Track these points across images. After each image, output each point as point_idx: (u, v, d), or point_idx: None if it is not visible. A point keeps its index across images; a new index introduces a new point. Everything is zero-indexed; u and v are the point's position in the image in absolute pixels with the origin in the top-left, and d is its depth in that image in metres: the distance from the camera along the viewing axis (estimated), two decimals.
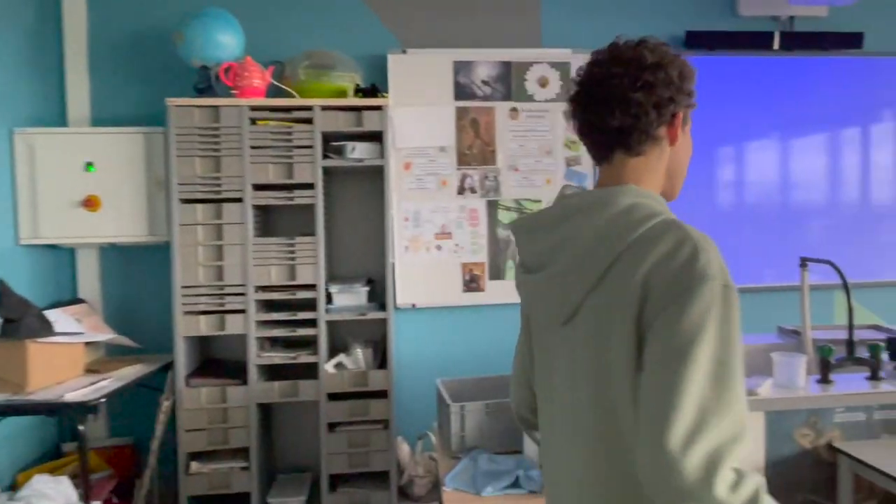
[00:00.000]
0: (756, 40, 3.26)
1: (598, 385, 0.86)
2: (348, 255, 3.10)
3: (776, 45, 3.27)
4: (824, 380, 1.70)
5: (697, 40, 3.23)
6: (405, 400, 3.13)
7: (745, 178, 3.31)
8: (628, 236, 0.85)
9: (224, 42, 2.72)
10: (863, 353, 1.81)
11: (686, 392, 0.75)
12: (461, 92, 3.12)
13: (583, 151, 3.18)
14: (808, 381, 1.69)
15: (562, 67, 3.16)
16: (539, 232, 0.95)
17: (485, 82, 3.14)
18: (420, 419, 3.04)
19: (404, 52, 3.08)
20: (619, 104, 0.92)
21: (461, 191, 3.14)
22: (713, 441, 0.75)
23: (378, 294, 2.94)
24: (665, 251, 0.83)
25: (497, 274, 3.16)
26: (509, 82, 3.15)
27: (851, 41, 3.28)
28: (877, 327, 2.35)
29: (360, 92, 2.82)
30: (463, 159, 3.13)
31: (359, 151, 2.78)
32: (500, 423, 1.98)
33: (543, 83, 3.16)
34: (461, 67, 3.12)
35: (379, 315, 2.81)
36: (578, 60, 3.17)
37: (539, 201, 3.18)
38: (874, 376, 1.72)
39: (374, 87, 2.83)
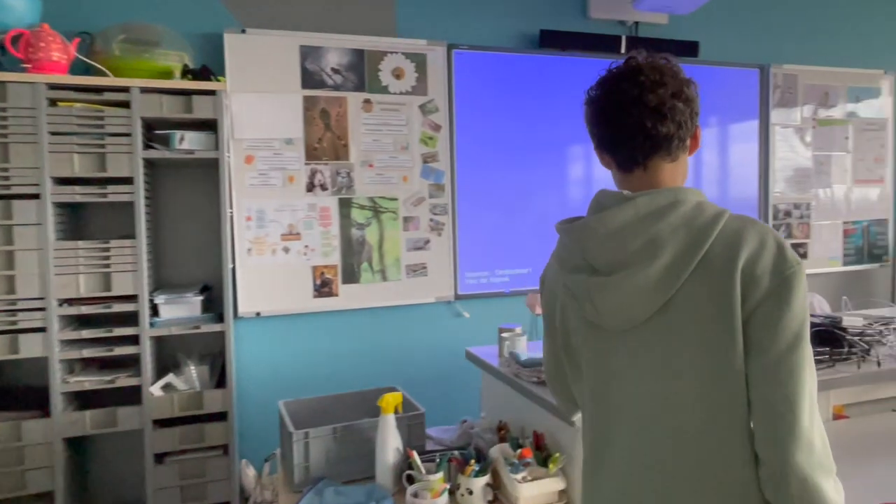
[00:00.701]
0: (605, 43, 3.34)
1: (699, 370, 0.93)
2: (179, 260, 2.72)
3: (623, 49, 3.36)
4: None
5: (550, 40, 3.24)
6: (250, 420, 2.83)
7: (592, 175, 3.38)
8: (712, 231, 0.92)
9: (11, 4, 2.24)
10: None
11: (803, 379, 0.89)
12: (309, 80, 2.86)
13: (440, 147, 3.07)
14: None
15: (417, 59, 3.01)
16: (616, 235, 0.97)
17: (335, 70, 2.90)
18: (268, 440, 2.76)
19: (243, 31, 2.76)
20: (669, 112, 0.99)
21: (311, 188, 2.88)
22: (823, 434, 0.90)
23: (215, 303, 2.60)
24: (756, 243, 0.92)
25: (351, 277, 2.95)
26: (362, 72, 2.94)
27: (688, 49, 3.46)
28: None
29: (189, 74, 2.47)
30: (312, 153, 2.88)
31: (189, 141, 2.43)
32: (350, 448, 1.78)
33: (398, 75, 2.99)
34: (309, 53, 2.85)
35: (215, 327, 2.49)
36: (435, 53, 3.04)
37: (395, 199, 3.01)
38: None
39: (207, 70, 2.50)
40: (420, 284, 3.07)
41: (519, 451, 1.67)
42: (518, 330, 2.10)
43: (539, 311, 1.69)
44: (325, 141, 2.89)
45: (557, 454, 1.63)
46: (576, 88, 3.32)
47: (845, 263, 3.97)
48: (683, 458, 0.94)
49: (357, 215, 2.96)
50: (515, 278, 3.25)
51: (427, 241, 3.07)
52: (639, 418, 0.98)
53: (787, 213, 3.80)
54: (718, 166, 3.63)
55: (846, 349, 1.87)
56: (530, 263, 3.28)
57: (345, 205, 2.94)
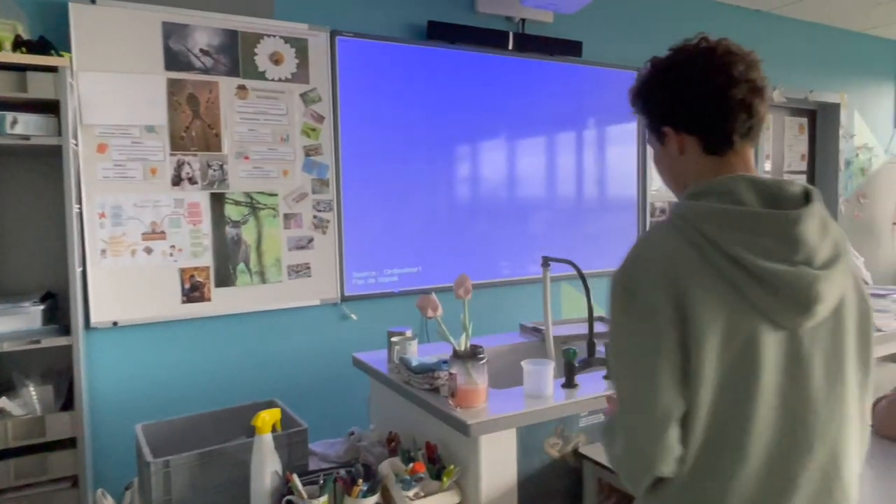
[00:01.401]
0: (493, 38, 3.30)
1: (863, 367, 0.96)
2: (15, 264, 2.34)
3: (511, 46, 3.34)
4: (569, 384, 1.67)
5: (438, 32, 3.15)
6: (108, 445, 2.50)
7: (480, 173, 3.34)
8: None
9: None
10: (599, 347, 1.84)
11: None
12: (174, 60, 2.57)
13: (323, 140, 2.88)
14: (555, 387, 1.64)
15: (298, 44, 2.80)
16: (825, 226, 0.91)
17: (205, 52, 2.63)
18: (131, 465, 2.43)
19: (93, 1, 2.42)
20: (765, 94, 0.98)
21: (177, 181, 2.59)
22: None
23: (61, 313, 2.26)
24: None
25: (226, 280, 2.69)
26: (236, 55, 2.69)
27: (572, 49, 3.51)
28: (602, 319, 2.48)
29: (22, 46, 2.11)
30: (179, 143, 2.59)
31: (23, 126, 2.08)
32: (221, 475, 1.57)
33: (277, 60, 2.77)
34: (173, 31, 2.56)
35: (60, 340, 2.15)
36: (317, 39, 2.84)
37: (275, 195, 2.79)
38: (610, 375, 1.74)
39: (45, 42, 2.15)
40: (303, 286, 2.87)
41: (411, 465, 1.55)
42: (408, 333, 1.98)
43: (431, 314, 1.58)
44: (193, 129, 2.61)
45: (452, 466, 1.53)
46: (464, 83, 3.25)
47: None
48: None
49: (232, 212, 2.70)
50: (405, 278, 3.14)
51: (310, 240, 2.88)
52: (830, 453, 0.91)
53: (663, 211, 3.98)
54: (599, 166, 3.72)
55: None
56: (420, 262, 3.17)
57: (217, 200, 2.67)
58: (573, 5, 3.16)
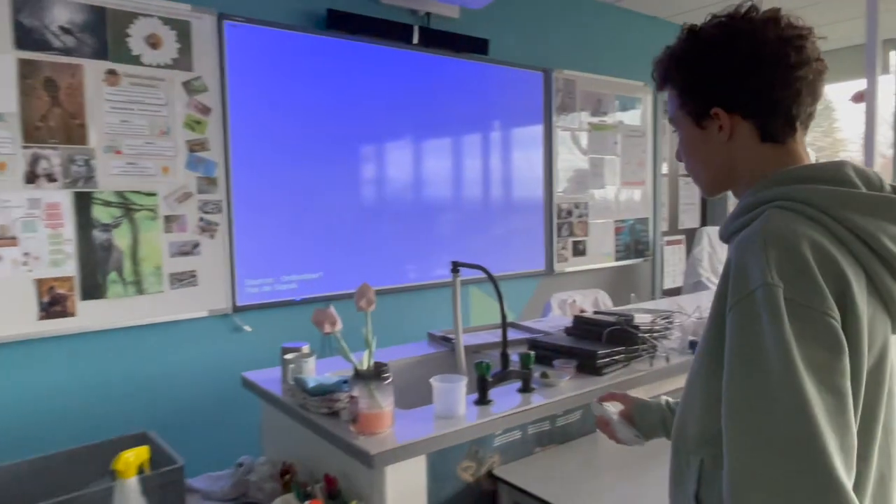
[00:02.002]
0: (397, 31, 3.14)
1: None
2: None
3: (416, 40, 3.20)
4: (482, 400, 1.54)
5: (339, 21, 2.95)
6: None
7: (384, 173, 3.17)
8: None
9: None
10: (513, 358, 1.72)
11: None
12: (27, 38, 2.21)
13: (210, 134, 2.60)
14: (468, 405, 1.50)
15: (179, 26, 2.51)
16: None
17: (65, 30, 2.28)
18: None
19: None
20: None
21: (32, 178, 2.24)
22: None
23: None
24: None
25: (94, 291, 2.36)
26: (104, 35, 2.36)
27: (479, 46, 3.42)
28: (513, 325, 2.39)
29: None
30: (34, 134, 2.23)
31: None
32: None
33: (155, 43, 2.46)
34: (26, 4, 2.21)
35: None
36: (202, 22, 2.56)
37: (153, 194, 2.48)
38: (526, 388, 1.63)
39: None
40: (188, 296, 2.57)
41: (307, 502, 1.35)
42: (305, 349, 1.78)
43: (329, 329, 1.40)
44: (52, 119, 2.26)
45: (354, 502, 1.36)
46: (367, 78, 3.07)
47: (616, 259, 4.29)
48: None
49: (101, 214, 2.37)
50: (305, 284, 2.91)
51: (196, 245, 2.59)
52: None
53: (569, 213, 3.98)
54: (506, 167, 3.66)
55: (640, 347, 1.88)
56: (321, 267, 2.95)
57: (83, 201, 2.33)
58: (480, 0, 3.07)
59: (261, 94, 2.75)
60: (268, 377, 1.81)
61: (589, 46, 4.03)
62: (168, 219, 2.52)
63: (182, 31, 2.52)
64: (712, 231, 4.66)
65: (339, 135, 2.99)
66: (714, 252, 4.41)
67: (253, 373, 1.86)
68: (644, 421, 1.24)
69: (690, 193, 5.08)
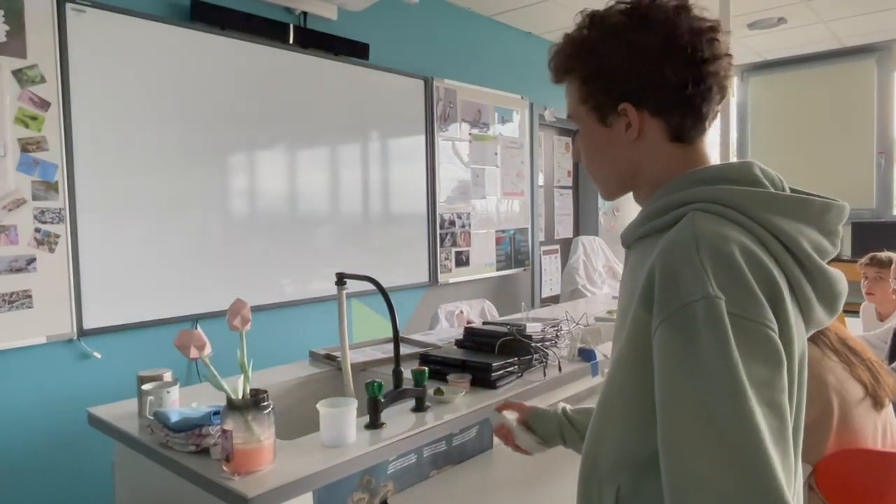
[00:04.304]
0: (271, 29, 2.94)
1: None
2: None
3: (291, 40, 3.01)
4: (374, 424, 1.40)
5: (205, 14, 2.70)
6: None
7: (257, 182, 2.95)
8: None
9: None
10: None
11: None
12: None
13: (47, 131, 2.25)
14: (359, 430, 1.36)
15: (8, 6, 2.16)
16: (842, 219, 0.78)
17: None
18: None
19: None
20: None
21: None
22: None
23: None
24: None
25: None
26: None
27: (359, 50, 3.30)
28: (403, 339, 2.28)
29: None
30: None
31: None
32: None
33: None
34: None
35: None
36: (39, 3, 2.22)
37: None
38: (420, 407, 1.52)
39: None
40: (21, 320, 2.20)
41: None
42: (167, 376, 1.55)
43: (195, 354, 1.20)
44: None
45: None
46: (238, 78, 2.84)
47: (498, 269, 4.32)
48: None
49: None
50: (168, 302, 2.60)
51: (31, 260, 2.22)
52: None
53: (452, 223, 3.95)
54: (386, 177, 3.55)
55: (532, 357, 1.84)
56: (187, 283, 2.66)
57: None
58: (361, 2, 2.95)
59: (112, 90, 2.44)
60: (121, 412, 1.55)
61: (469, 57, 4.05)
62: None
63: (11, 11, 2.16)
64: (587, 240, 4.85)
65: (206, 139, 2.73)
66: (589, 260, 4.59)
67: (102, 407, 1.59)
68: (542, 429, 1.20)
69: (565, 204, 5.27)
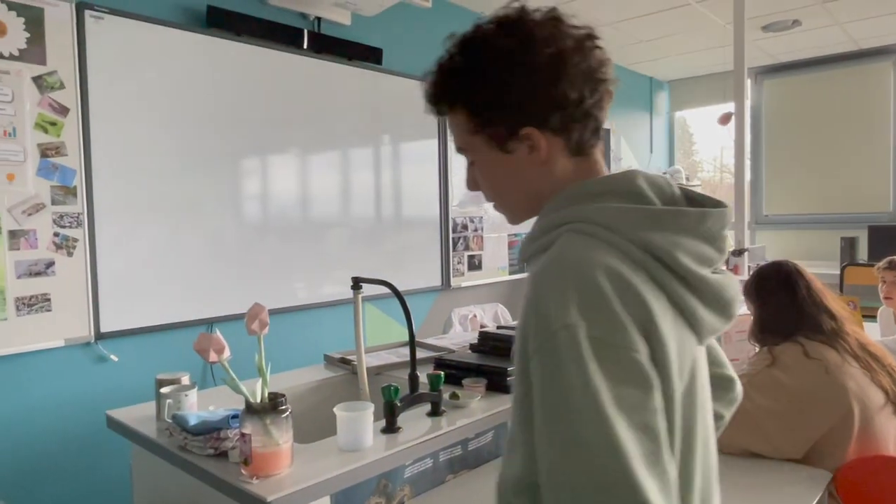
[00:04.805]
0: (286, 35, 2.96)
1: None
2: None
3: (306, 45, 3.03)
4: (391, 428, 1.41)
5: (220, 20, 2.72)
6: None
7: (272, 186, 2.96)
8: None
9: None
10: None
11: None
12: None
13: (66, 137, 2.28)
14: (375, 434, 1.36)
15: (29, 13, 2.19)
16: (726, 228, 0.76)
17: None
18: None
19: None
20: None
21: None
22: None
23: None
24: None
25: None
26: None
27: (373, 55, 3.31)
28: (418, 343, 2.28)
29: None
30: None
31: None
32: None
33: None
34: None
35: None
36: (58, 10, 2.25)
37: None
38: (435, 411, 1.52)
39: None
40: (40, 323, 2.22)
41: None
42: (185, 380, 1.56)
43: (214, 357, 1.21)
44: None
45: None
46: (253, 83, 2.86)
47: (511, 272, 4.31)
48: None
49: None
50: (184, 306, 2.62)
51: (51, 264, 2.25)
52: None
53: (464, 227, 3.95)
54: (399, 181, 3.56)
55: None
56: (202, 287, 2.68)
57: None
58: (374, 7, 2.97)
59: (130, 96, 2.46)
60: (139, 415, 1.56)
61: None
62: (14, 234, 2.16)
63: (32, 18, 2.19)
64: None
65: (221, 143, 2.75)
66: None
67: (121, 410, 1.61)
68: None
69: None
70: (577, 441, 0.61)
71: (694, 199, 0.78)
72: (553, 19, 0.77)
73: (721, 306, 0.75)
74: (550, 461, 0.63)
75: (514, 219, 0.86)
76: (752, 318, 1.82)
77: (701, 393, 0.76)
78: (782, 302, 1.74)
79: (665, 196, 0.76)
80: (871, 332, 2.99)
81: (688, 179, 5.33)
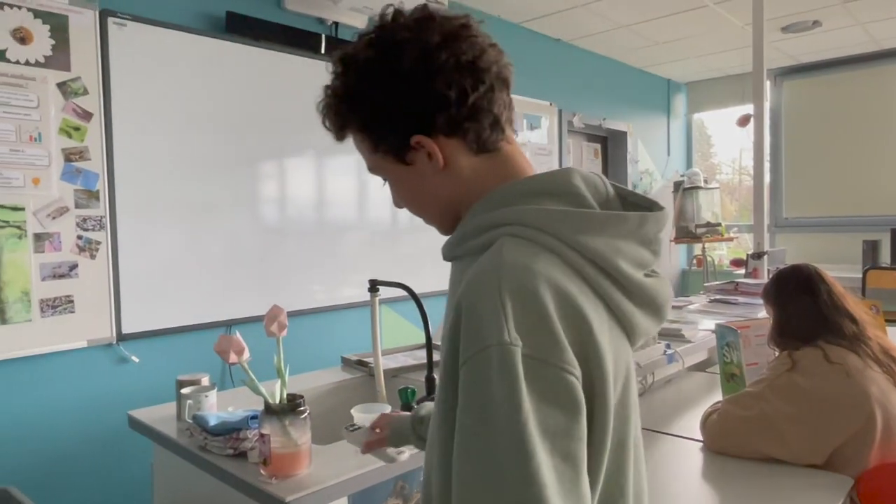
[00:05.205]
0: (304, 40, 2.99)
1: None
2: None
3: (323, 49, 3.06)
4: None
5: (239, 26, 2.76)
6: None
7: (289, 189, 2.99)
8: None
9: None
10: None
11: None
12: None
13: (89, 141, 2.32)
14: None
15: (54, 21, 2.24)
16: (662, 231, 0.75)
17: None
18: None
19: None
20: None
21: None
22: None
23: None
24: None
25: None
26: None
27: None
28: (435, 346, 2.28)
29: None
30: None
31: None
32: None
33: (24, 37, 2.17)
34: None
35: None
36: (82, 18, 2.29)
37: (20, 209, 2.17)
38: None
39: None
40: (64, 325, 2.26)
41: None
42: (205, 381, 1.58)
43: (234, 359, 1.22)
44: None
45: None
46: (271, 87, 2.89)
47: None
48: None
49: None
50: (203, 308, 2.65)
51: (74, 267, 2.29)
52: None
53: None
54: None
55: None
56: (221, 288, 2.71)
57: None
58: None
59: (150, 101, 2.50)
60: (160, 415, 1.59)
61: None
62: (39, 237, 2.21)
63: (57, 26, 2.24)
64: None
65: (240, 147, 2.78)
66: None
67: (142, 410, 1.63)
68: (399, 439, 1.13)
69: None
70: (494, 465, 0.59)
71: (627, 199, 0.77)
72: (419, 19, 0.73)
73: (655, 310, 0.74)
74: (462, 479, 0.61)
75: (443, 229, 0.83)
76: (770, 321, 1.81)
77: (633, 396, 0.74)
78: (802, 305, 1.72)
79: (601, 196, 0.74)
80: (894, 337, 2.94)
81: (706, 182, 5.28)
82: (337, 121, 0.78)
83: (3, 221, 2.13)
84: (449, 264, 0.80)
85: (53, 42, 2.23)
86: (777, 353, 1.78)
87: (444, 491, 0.68)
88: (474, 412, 0.61)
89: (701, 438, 1.74)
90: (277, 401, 1.22)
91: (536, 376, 0.60)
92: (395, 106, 0.73)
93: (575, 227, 0.68)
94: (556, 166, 4.53)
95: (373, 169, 0.81)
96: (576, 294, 0.65)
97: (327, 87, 0.78)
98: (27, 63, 2.18)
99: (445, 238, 0.83)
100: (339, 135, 0.80)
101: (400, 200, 0.83)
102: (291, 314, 2.87)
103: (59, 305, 2.25)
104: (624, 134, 5.26)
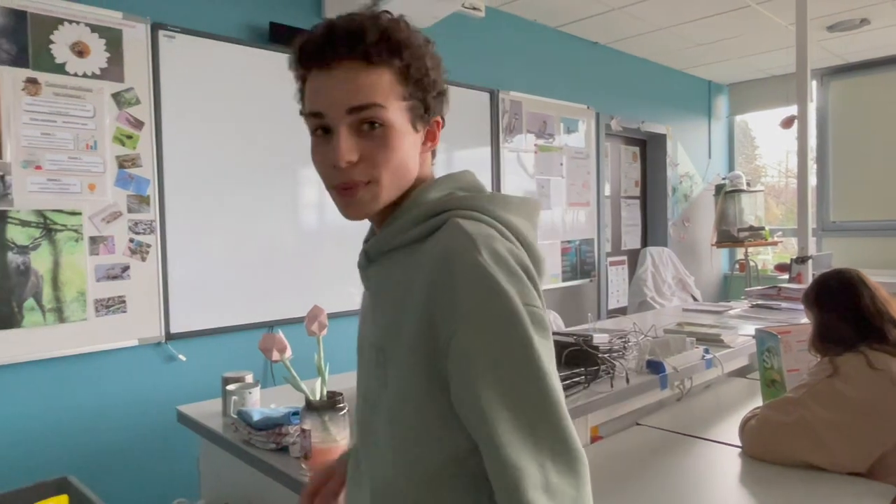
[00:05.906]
0: None
1: None
2: None
3: None
4: None
5: (282, 35, 2.85)
6: None
7: (326, 199, 3.05)
8: None
9: None
10: None
11: None
12: None
13: (142, 150, 2.44)
14: None
15: (109, 35, 2.35)
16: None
17: None
18: None
19: None
20: None
21: None
22: None
23: None
24: None
25: (7, 321, 2.14)
26: (24, 41, 2.18)
27: None
28: None
29: None
30: None
31: None
32: None
33: (82, 51, 2.30)
34: None
35: None
36: (135, 31, 2.41)
37: (77, 213, 2.29)
38: None
39: None
40: (116, 324, 2.37)
41: None
42: (248, 378, 1.65)
43: (277, 356, 1.28)
44: None
45: None
46: None
47: (563, 279, 4.30)
48: None
49: (17, 235, 2.16)
50: (246, 309, 2.74)
51: (126, 268, 2.40)
52: None
53: None
54: None
55: (600, 367, 1.83)
56: (263, 291, 2.80)
57: None
58: (428, 18, 3.04)
59: (197, 110, 2.61)
60: (206, 410, 1.65)
61: (534, 68, 4.07)
62: (94, 240, 2.32)
63: (112, 39, 2.36)
64: (655, 251, 4.75)
65: (282, 153, 2.87)
66: (657, 272, 4.49)
67: (189, 406, 1.71)
68: None
69: (632, 215, 5.19)
70: (523, 399, 0.68)
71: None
72: (397, 19, 0.81)
73: (543, 274, 0.82)
74: (495, 421, 0.67)
75: (374, 202, 0.79)
76: (812, 326, 1.77)
77: None
78: (844, 311, 1.69)
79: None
80: None
81: (749, 185, 5.17)
82: (391, 49, 0.75)
83: (62, 225, 2.25)
84: None
85: (108, 55, 2.35)
86: (818, 359, 1.75)
87: (412, 470, 0.74)
88: (495, 364, 0.68)
89: (739, 444, 1.72)
90: (318, 398, 1.27)
91: (534, 320, 0.70)
92: (442, 83, 0.83)
93: (502, 207, 0.79)
94: (593, 170, 4.51)
95: (380, 106, 0.75)
96: (519, 251, 0.76)
97: (387, 16, 0.78)
98: (84, 75, 2.30)
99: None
100: (377, 59, 0.75)
101: (375, 154, 0.76)
102: (330, 315, 2.94)
103: (112, 305, 2.36)
104: (663, 136, 5.20)
